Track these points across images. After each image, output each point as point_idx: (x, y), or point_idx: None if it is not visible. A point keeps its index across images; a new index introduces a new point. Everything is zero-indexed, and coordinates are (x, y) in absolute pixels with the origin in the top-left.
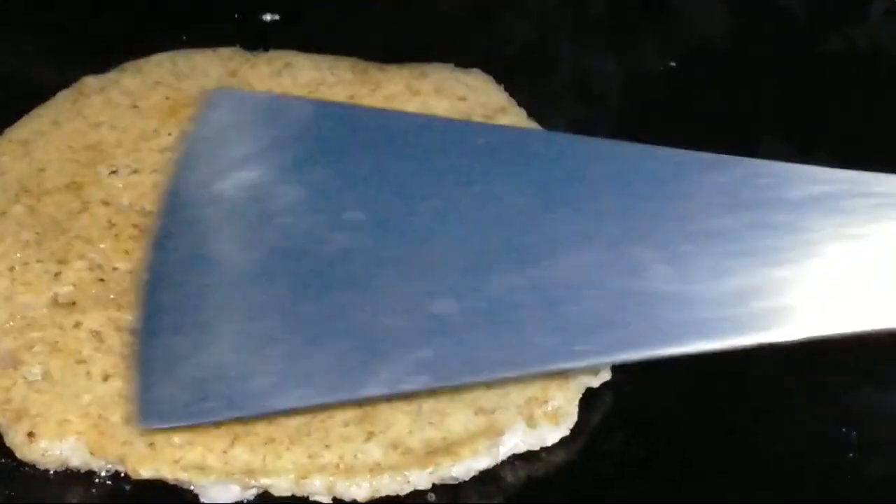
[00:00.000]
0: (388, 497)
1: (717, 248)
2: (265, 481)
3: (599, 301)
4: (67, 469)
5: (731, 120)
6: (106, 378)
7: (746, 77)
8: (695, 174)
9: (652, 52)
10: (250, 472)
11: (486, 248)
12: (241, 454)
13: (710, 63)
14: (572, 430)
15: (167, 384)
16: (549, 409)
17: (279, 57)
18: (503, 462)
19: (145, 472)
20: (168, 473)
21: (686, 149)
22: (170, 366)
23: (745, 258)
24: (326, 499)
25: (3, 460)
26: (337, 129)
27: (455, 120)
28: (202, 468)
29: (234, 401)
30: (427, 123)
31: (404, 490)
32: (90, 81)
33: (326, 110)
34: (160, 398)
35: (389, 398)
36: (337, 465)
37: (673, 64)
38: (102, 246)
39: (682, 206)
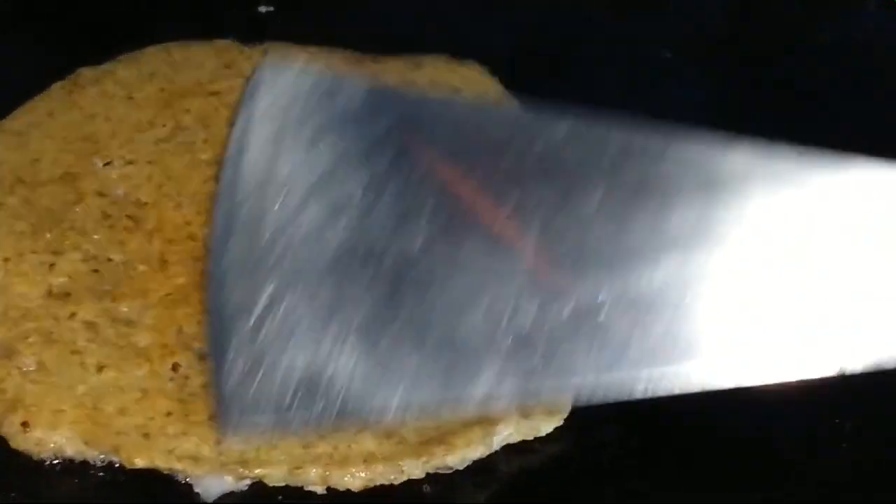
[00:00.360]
0: (382, 487)
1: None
2: (259, 472)
3: (687, 318)
4: (62, 459)
5: (727, 110)
6: (100, 369)
7: (741, 68)
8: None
9: (647, 43)
10: (244, 463)
11: (568, 250)
12: (235, 444)
13: (706, 54)
14: (566, 421)
15: (248, 397)
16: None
17: (275, 49)
18: (497, 452)
19: (140, 462)
20: (162, 463)
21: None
22: (248, 375)
23: None
24: (321, 489)
25: None
26: (395, 114)
27: (523, 107)
28: (196, 458)
29: (319, 411)
30: (496, 114)
31: (398, 479)
32: (85, 73)
33: (384, 94)
34: (242, 412)
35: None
36: (331, 455)
37: (668, 55)
38: (97, 237)
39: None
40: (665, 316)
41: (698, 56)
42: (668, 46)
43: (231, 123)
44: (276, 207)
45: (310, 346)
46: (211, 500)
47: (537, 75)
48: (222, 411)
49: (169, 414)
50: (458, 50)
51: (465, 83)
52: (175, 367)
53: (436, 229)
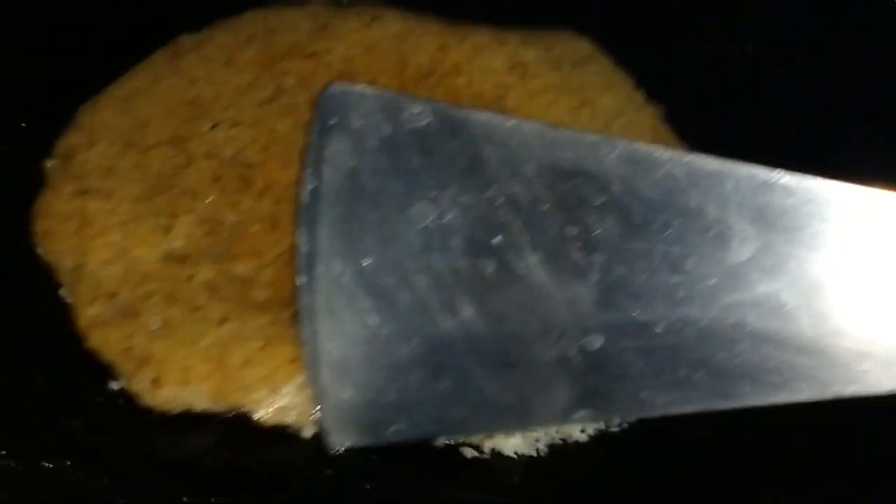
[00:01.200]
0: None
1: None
2: None
3: (745, 343)
4: (188, 413)
5: (810, 107)
6: (223, 322)
7: (826, 63)
8: (834, 207)
9: (729, 38)
10: None
11: (632, 281)
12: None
13: (790, 49)
14: None
15: (347, 409)
16: None
17: (367, 10)
18: None
19: (270, 421)
20: (292, 421)
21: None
22: (346, 391)
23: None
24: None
25: (116, 403)
26: (464, 136)
27: (587, 133)
28: None
29: (410, 427)
30: (558, 136)
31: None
32: (185, 40)
33: (452, 115)
34: (343, 420)
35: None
36: None
37: (752, 48)
38: (210, 199)
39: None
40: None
41: (781, 50)
42: (748, 41)
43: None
44: (358, 234)
45: (396, 367)
46: (340, 449)
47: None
48: (325, 431)
49: (293, 361)
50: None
51: (557, 42)
52: (294, 316)
53: (502, 259)
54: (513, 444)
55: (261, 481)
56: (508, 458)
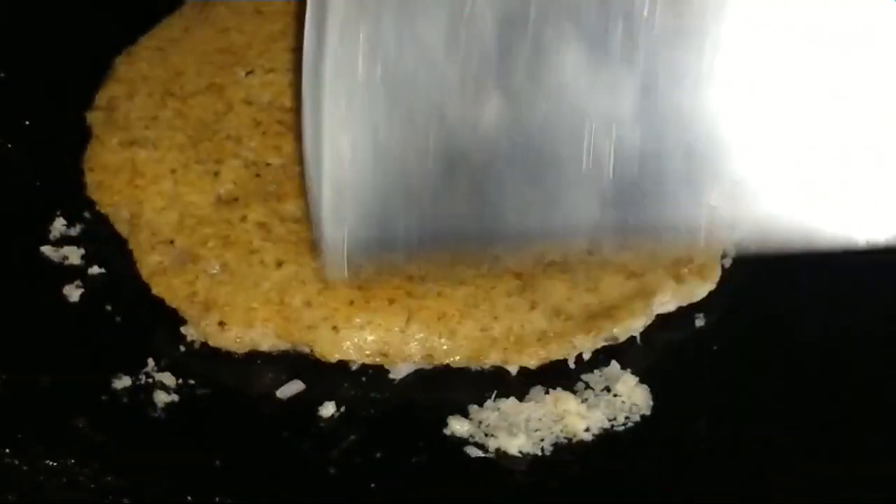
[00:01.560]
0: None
1: None
2: (446, 361)
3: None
4: (255, 351)
5: None
6: (280, 264)
7: None
8: None
9: None
10: (429, 357)
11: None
12: (418, 332)
13: None
14: (718, 284)
15: (346, 212)
16: (695, 266)
17: None
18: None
19: (334, 358)
20: (354, 356)
21: None
22: (345, 190)
23: None
24: (513, 369)
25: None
26: None
27: None
28: (386, 354)
29: (420, 226)
30: None
31: (571, 355)
32: None
33: None
34: (342, 230)
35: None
36: (507, 338)
37: None
38: (253, 144)
39: None
40: None
41: None
42: None
43: None
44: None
45: (406, 161)
46: (401, 376)
47: None
48: (323, 232)
49: (351, 303)
50: None
51: None
52: None
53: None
54: (517, 443)
55: (265, 480)
56: (513, 456)
